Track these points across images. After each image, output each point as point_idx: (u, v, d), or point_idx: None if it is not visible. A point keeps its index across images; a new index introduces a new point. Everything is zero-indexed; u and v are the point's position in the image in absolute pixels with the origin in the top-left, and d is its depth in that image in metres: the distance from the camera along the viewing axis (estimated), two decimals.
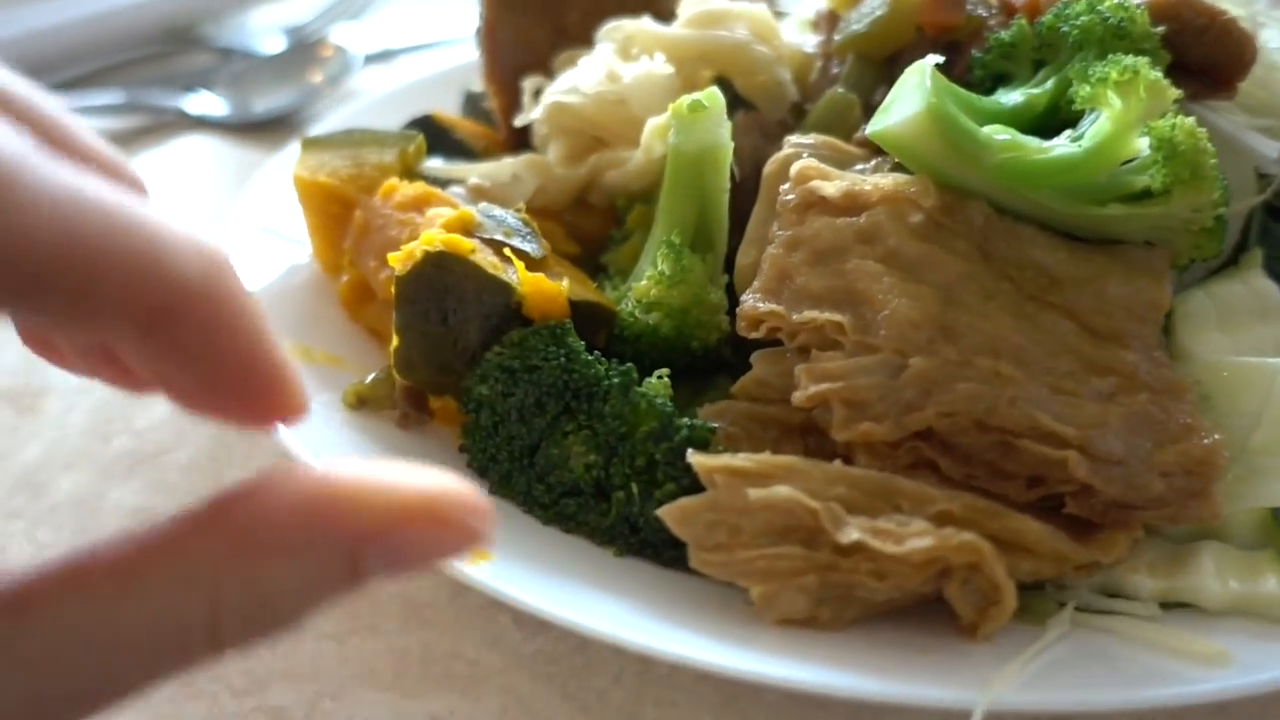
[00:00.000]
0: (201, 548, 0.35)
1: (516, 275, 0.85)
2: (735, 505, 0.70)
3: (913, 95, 0.79)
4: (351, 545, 0.36)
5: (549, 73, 1.16)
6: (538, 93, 1.12)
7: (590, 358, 0.81)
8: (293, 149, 1.20)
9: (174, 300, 0.34)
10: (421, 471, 0.39)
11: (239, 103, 1.61)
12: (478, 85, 1.25)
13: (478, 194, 1.02)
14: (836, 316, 0.77)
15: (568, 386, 0.80)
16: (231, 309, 0.36)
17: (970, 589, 0.70)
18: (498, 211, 0.92)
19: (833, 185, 0.84)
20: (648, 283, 0.87)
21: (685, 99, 0.89)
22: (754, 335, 0.81)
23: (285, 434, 0.81)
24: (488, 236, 0.88)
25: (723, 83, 1.06)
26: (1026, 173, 0.79)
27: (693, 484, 0.74)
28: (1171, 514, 0.72)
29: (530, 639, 0.80)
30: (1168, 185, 0.76)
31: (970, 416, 0.73)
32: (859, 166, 0.93)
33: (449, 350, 0.85)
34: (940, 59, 0.82)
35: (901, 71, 1.03)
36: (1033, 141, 0.79)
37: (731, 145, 0.89)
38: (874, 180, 0.84)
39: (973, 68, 0.97)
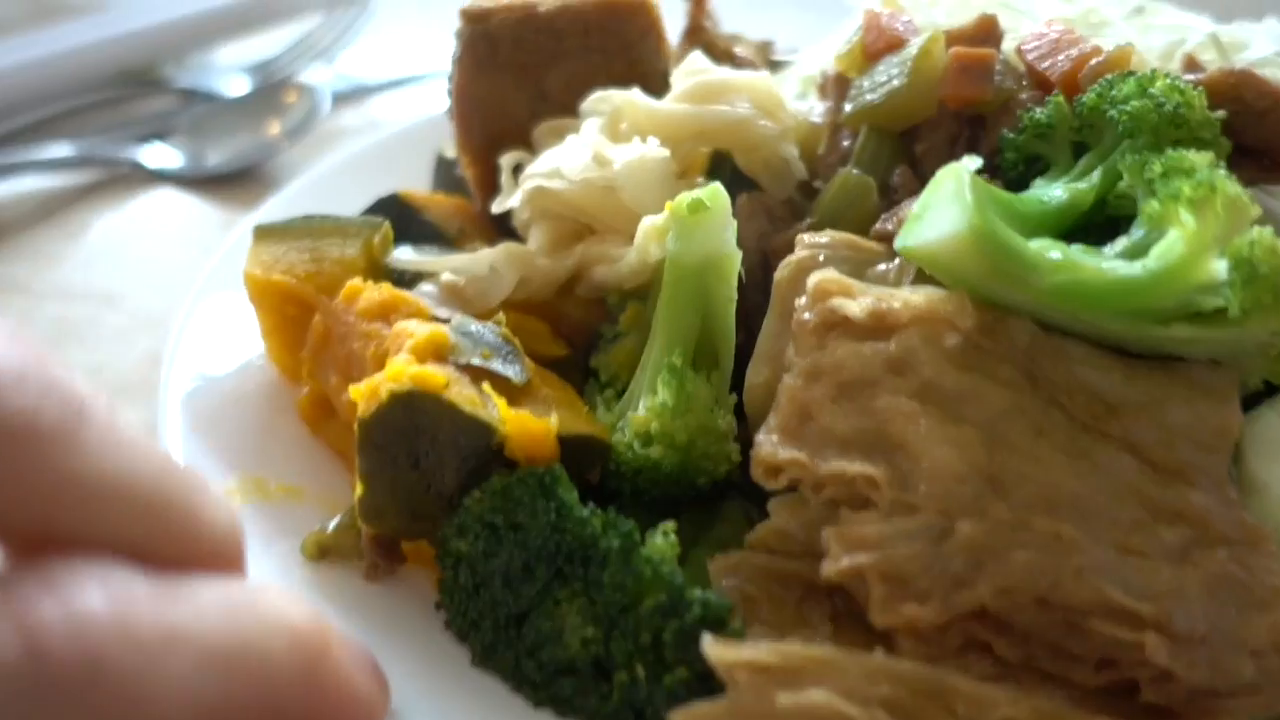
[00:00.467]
0: None
1: (497, 411, 0.74)
2: (762, 711, 0.60)
3: (949, 207, 0.69)
4: None
5: (529, 143, 1.05)
6: (517, 168, 1.01)
7: (584, 513, 0.70)
8: (257, 214, 1.09)
9: None
10: None
11: (198, 153, 1.49)
12: (452, 146, 1.14)
13: (452, 293, 0.91)
14: (869, 469, 0.67)
15: (559, 548, 0.69)
16: None
17: None
18: (474, 327, 0.81)
19: (857, 304, 0.73)
20: (647, 414, 0.76)
21: (685, 197, 0.79)
22: (773, 485, 0.70)
23: None
24: (464, 361, 0.77)
25: (721, 158, 0.96)
26: (1082, 296, 0.69)
27: (707, 668, 0.64)
28: (1266, 701, 0.62)
29: None
30: (1246, 310, 0.66)
31: (1030, 593, 0.63)
32: (881, 267, 0.82)
33: (421, 496, 0.75)
34: (979, 163, 0.72)
35: (923, 149, 0.93)
36: (1089, 260, 0.68)
37: (739, 254, 0.78)
38: (903, 297, 0.74)
39: (1003, 148, 0.86)
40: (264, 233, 0.96)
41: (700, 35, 1.27)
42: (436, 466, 0.74)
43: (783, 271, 0.80)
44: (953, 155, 0.92)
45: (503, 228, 1.03)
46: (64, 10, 1.79)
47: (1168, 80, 0.78)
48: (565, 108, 1.05)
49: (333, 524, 0.79)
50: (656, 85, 1.09)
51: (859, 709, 0.59)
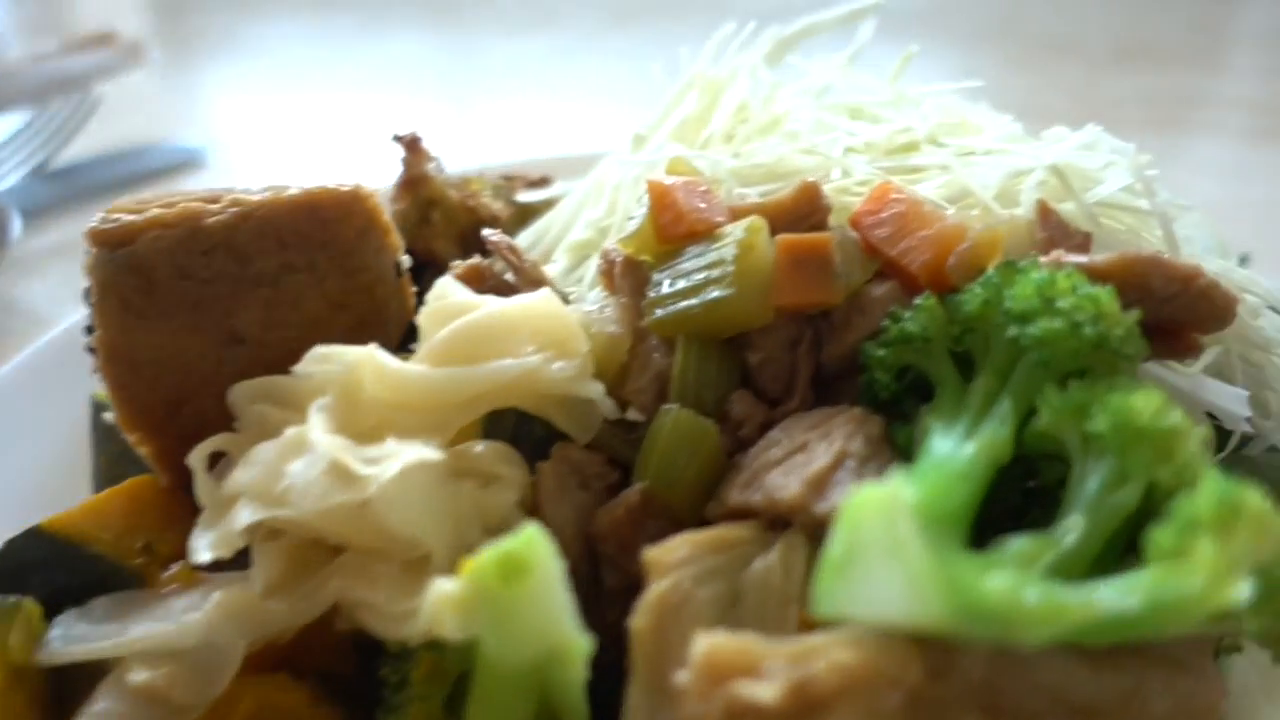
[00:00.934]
0: None
1: None
2: None
3: (891, 563, 0.49)
4: None
5: (223, 411, 0.75)
6: (216, 457, 0.72)
7: None
8: None
9: None
10: None
11: None
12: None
13: (150, 700, 0.61)
14: None
15: None
16: None
17: None
18: None
19: (768, 687, 0.52)
20: None
21: (489, 555, 0.54)
22: None
23: None
24: None
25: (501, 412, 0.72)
26: (1067, 637, 0.51)
27: None
28: None
29: None
30: (1267, 633, 0.51)
31: None
32: (760, 564, 0.62)
33: None
34: (910, 494, 0.52)
35: (759, 360, 0.73)
36: (1078, 599, 0.50)
37: (585, 644, 0.54)
38: (826, 654, 0.53)
39: (869, 367, 0.68)
40: None
41: (422, 187, 1.01)
42: None
43: (642, 620, 0.58)
44: (795, 364, 0.73)
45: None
46: None
47: (1066, 277, 0.62)
48: (272, 352, 0.76)
49: None
50: (388, 296, 0.82)
51: None
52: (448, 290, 0.70)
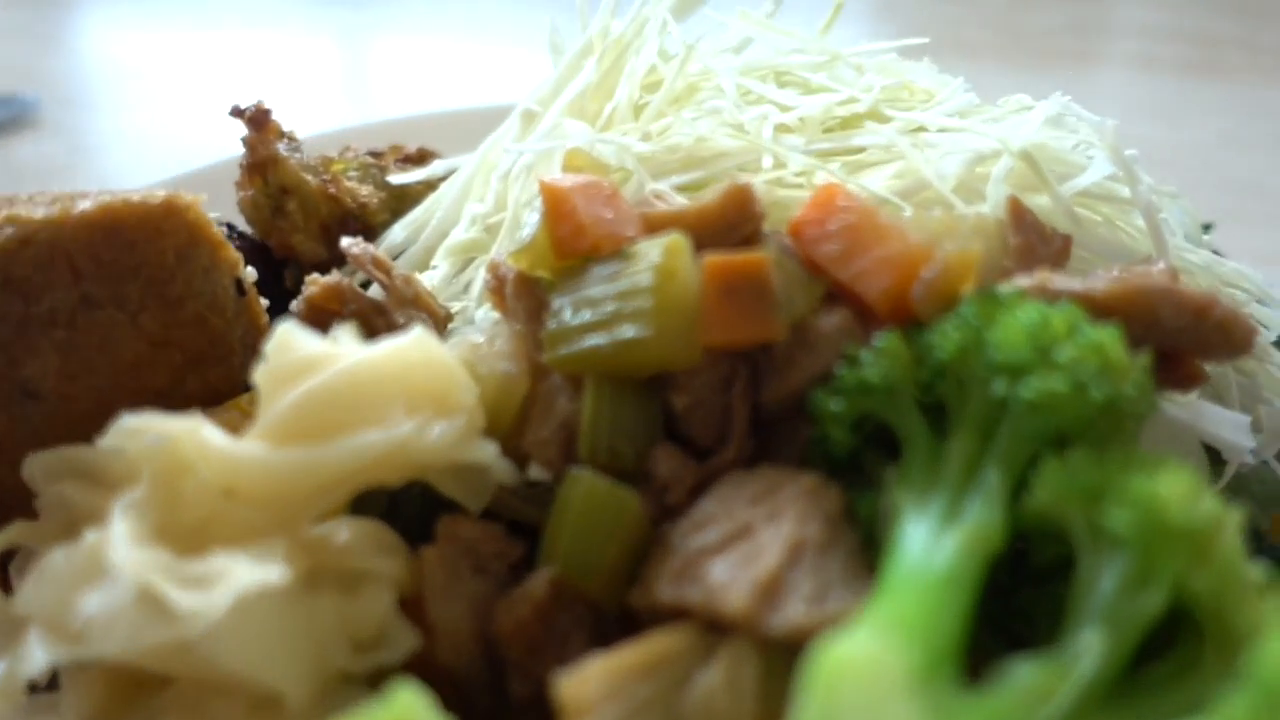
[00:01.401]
0: None
1: None
2: None
3: None
4: None
5: (20, 489, 0.60)
6: (10, 558, 0.57)
7: None
8: None
9: None
10: None
11: None
12: None
13: None
14: None
15: None
16: None
17: None
18: None
19: None
20: None
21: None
22: None
23: None
24: None
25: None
26: None
27: None
28: None
29: None
30: None
31: None
32: (702, 681, 0.50)
33: None
34: (897, 661, 0.40)
35: (686, 404, 0.60)
36: None
37: None
38: None
39: (822, 421, 0.55)
40: None
41: (271, 171, 0.84)
42: None
43: None
44: (729, 407, 0.60)
45: None
46: None
47: (1062, 316, 0.50)
48: (79, 406, 0.61)
49: None
50: (228, 325, 0.67)
51: None
52: (291, 341, 0.54)
